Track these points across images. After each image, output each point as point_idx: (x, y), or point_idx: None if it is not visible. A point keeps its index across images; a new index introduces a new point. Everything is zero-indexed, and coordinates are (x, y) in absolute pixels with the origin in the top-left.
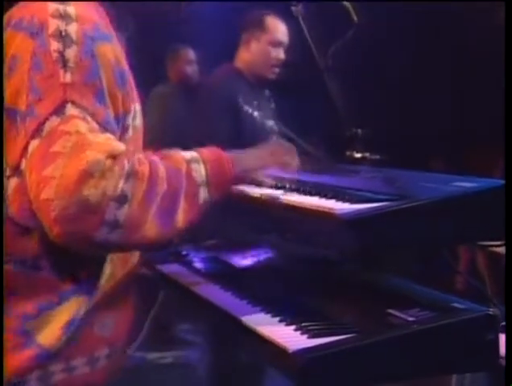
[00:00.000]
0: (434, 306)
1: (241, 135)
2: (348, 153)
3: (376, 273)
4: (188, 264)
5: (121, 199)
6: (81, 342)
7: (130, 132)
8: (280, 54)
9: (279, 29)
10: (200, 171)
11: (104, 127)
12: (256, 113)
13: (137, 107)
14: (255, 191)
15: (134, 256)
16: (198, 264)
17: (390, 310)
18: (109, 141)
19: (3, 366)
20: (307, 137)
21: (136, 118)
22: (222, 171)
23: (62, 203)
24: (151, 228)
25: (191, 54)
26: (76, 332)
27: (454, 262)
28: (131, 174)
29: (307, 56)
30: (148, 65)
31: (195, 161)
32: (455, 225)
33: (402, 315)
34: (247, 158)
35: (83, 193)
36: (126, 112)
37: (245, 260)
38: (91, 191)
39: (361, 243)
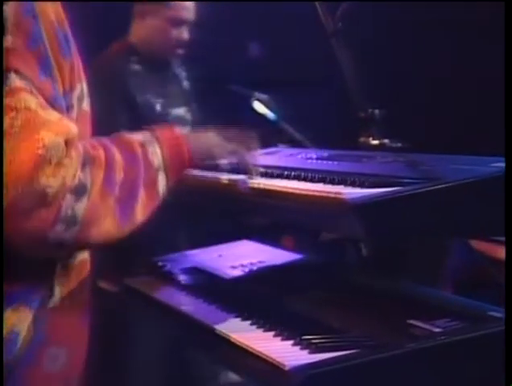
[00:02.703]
0: (466, 315)
1: (135, 129)
2: (362, 139)
3: (393, 279)
4: (165, 277)
5: (80, 191)
6: (27, 383)
7: (74, 114)
8: (183, 34)
9: (183, 4)
10: (156, 154)
11: (51, 104)
12: (156, 100)
13: (84, 87)
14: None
15: (87, 264)
16: (177, 276)
17: (412, 321)
18: (63, 122)
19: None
20: (310, 133)
21: (83, 100)
22: (179, 153)
23: (13, 193)
24: (109, 223)
25: None
26: (21, 369)
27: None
28: (87, 161)
29: (312, 21)
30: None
31: (149, 142)
32: (494, 211)
33: (427, 326)
34: (204, 139)
35: (40, 182)
36: (72, 88)
37: (232, 269)
38: (49, 181)
39: (376, 234)
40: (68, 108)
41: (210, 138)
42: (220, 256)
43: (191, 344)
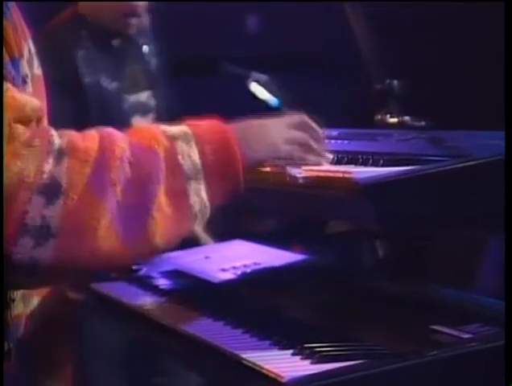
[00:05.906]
0: (499, 320)
1: (83, 117)
2: (378, 117)
3: (414, 280)
4: (141, 282)
5: (50, 190)
6: None
7: (30, 85)
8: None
9: None
10: (189, 154)
11: None
12: (108, 84)
13: (31, 45)
14: None
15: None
16: (155, 281)
17: (437, 327)
18: (10, 93)
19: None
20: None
21: (33, 63)
22: (228, 156)
23: None
24: (108, 238)
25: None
26: None
27: None
28: (65, 150)
29: None
30: None
31: (182, 138)
32: None
33: (454, 332)
34: (261, 130)
35: None
36: (20, 53)
37: (221, 272)
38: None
39: (390, 221)
40: (24, 79)
41: (269, 128)
42: (207, 257)
43: (171, 356)
